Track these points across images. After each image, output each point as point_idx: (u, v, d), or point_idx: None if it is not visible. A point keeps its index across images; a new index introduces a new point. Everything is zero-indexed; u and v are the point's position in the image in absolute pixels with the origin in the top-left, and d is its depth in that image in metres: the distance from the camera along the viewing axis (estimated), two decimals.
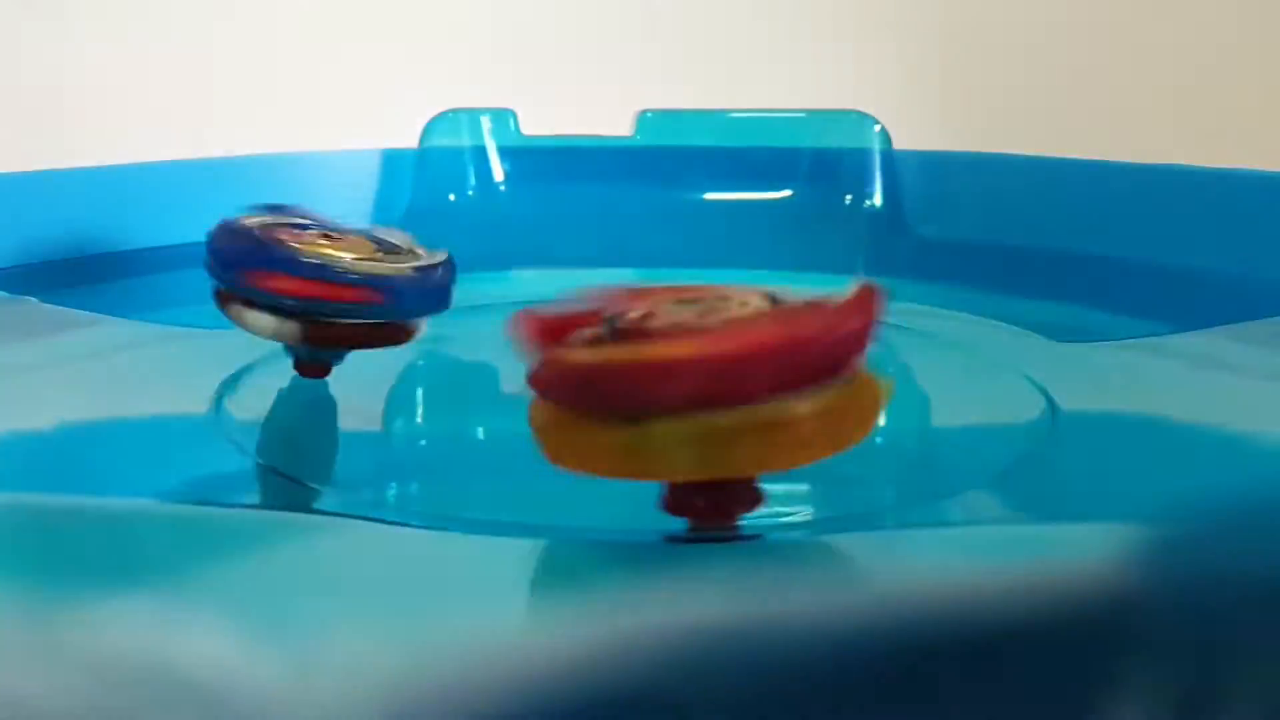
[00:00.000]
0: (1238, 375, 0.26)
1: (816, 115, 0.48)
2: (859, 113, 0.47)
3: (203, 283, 0.25)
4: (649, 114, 0.48)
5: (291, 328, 0.24)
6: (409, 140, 0.47)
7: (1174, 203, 0.40)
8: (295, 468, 0.23)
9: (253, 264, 0.23)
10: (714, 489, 0.17)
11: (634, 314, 0.17)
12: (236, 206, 0.25)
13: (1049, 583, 0.14)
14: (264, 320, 0.24)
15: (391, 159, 0.47)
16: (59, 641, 0.12)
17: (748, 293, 0.17)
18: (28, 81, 0.40)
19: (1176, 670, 0.13)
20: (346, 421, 0.26)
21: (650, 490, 0.17)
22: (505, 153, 0.48)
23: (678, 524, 0.18)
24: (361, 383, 0.27)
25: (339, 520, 0.20)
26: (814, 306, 0.17)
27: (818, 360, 0.16)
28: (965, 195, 0.45)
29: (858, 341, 0.16)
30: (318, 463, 0.24)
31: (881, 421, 0.16)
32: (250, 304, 0.24)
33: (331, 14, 0.47)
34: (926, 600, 0.13)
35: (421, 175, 0.47)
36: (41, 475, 0.21)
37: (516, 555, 0.16)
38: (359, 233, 0.25)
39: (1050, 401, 0.24)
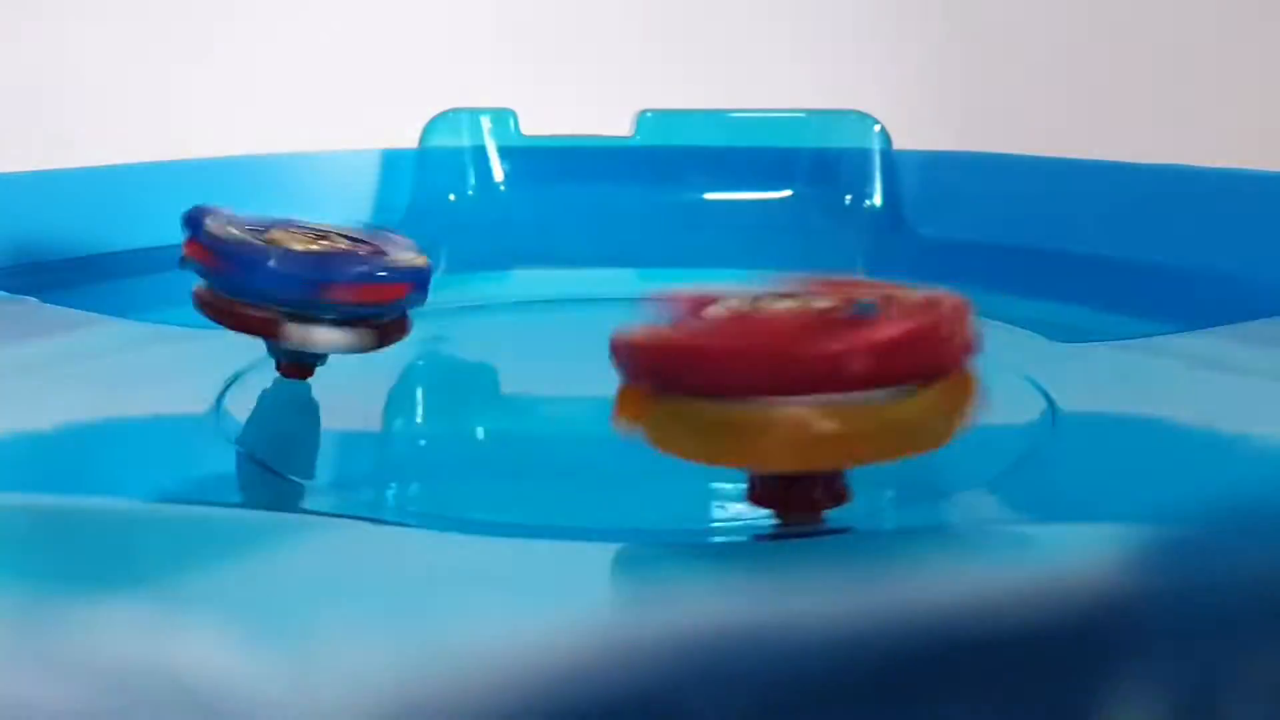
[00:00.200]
0: (1238, 375, 0.26)
1: (816, 115, 0.48)
2: (859, 113, 0.47)
3: None
4: (649, 114, 0.48)
5: (366, 335, 0.24)
6: (409, 140, 0.47)
7: (1174, 203, 0.40)
8: (295, 468, 0.23)
9: (328, 278, 0.23)
10: (803, 482, 0.17)
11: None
12: (236, 206, 0.25)
13: (1048, 583, 0.14)
14: (336, 335, 0.23)
15: (391, 159, 0.47)
16: (57, 642, 0.12)
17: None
18: (28, 81, 0.40)
19: (1176, 671, 0.13)
20: (346, 421, 0.26)
21: (646, 491, 0.17)
22: (505, 153, 0.48)
23: (679, 523, 0.18)
24: (361, 383, 0.27)
25: (338, 521, 0.20)
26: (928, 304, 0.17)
27: (929, 357, 0.16)
28: (965, 195, 0.45)
29: (966, 343, 0.17)
30: (317, 463, 0.24)
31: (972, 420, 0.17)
32: (311, 320, 0.23)
33: (331, 14, 0.47)
34: (925, 600, 0.13)
35: (421, 175, 0.47)
36: (41, 475, 0.21)
37: (516, 555, 0.16)
38: (289, 224, 0.24)
39: (1050, 402, 0.24)
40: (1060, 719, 0.12)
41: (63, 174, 0.40)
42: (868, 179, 0.47)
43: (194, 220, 0.23)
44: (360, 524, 0.20)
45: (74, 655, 0.12)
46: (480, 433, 0.28)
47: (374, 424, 0.27)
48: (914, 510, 0.22)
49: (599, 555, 0.16)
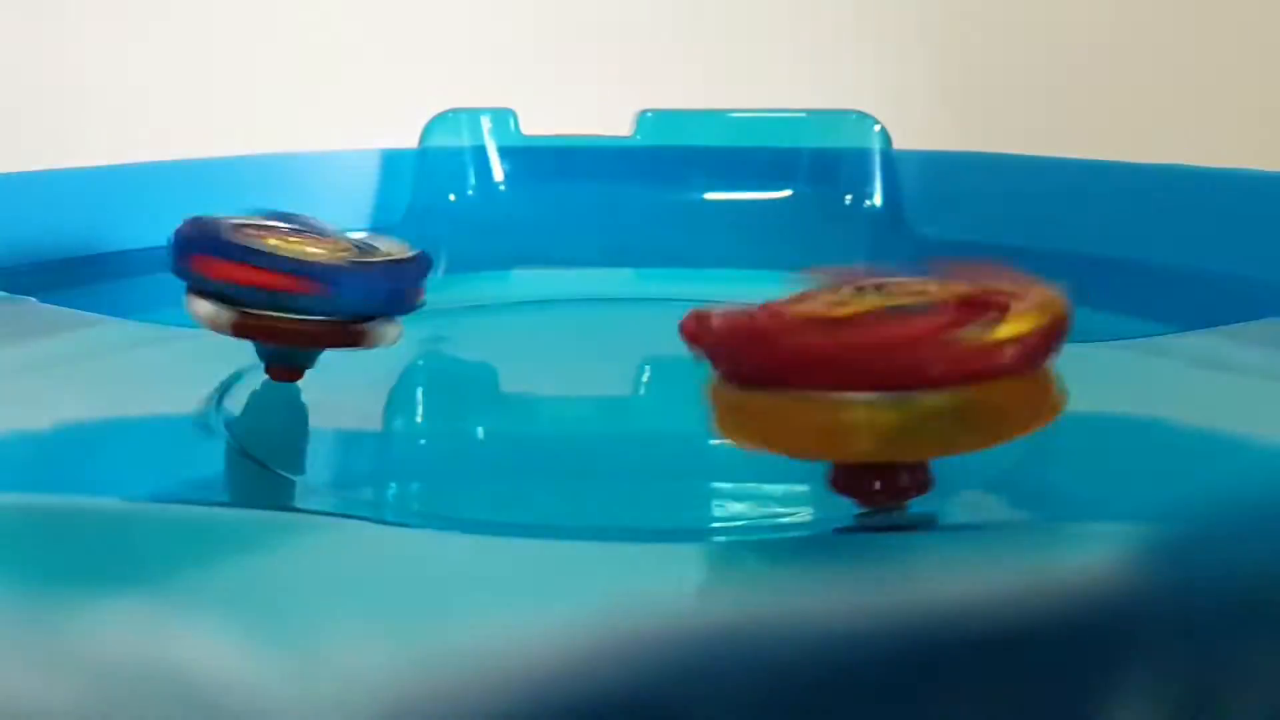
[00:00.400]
0: (1238, 375, 0.26)
1: (816, 115, 0.48)
2: (859, 113, 0.47)
3: None
4: (649, 114, 0.48)
5: (226, 315, 0.23)
6: (409, 140, 0.47)
7: (1174, 203, 0.40)
8: (294, 467, 0.23)
9: (195, 250, 0.23)
10: (888, 470, 0.17)
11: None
12: (235, 206, 0.25)
13: (1048, 583, 0.14)
14: (203, 306, 0.23)
15: (391, 159, 0.47)
16: (56, 642, 0.12)
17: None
18: (28, 81, 0.40)
19: (1176, 671, 0.13)
20: (346, 421, 0.26)
21: (646, 491, 0.17)
22: (505, 153, 0.48)
23: (679, 523, 0.18)
24: (362, 383, 0.27)
25: (338, 520, 0.20)
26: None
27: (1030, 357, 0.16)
28: (965, 195, 0.45)
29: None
30: (316, 463, 0.24)
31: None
32: (200, 293, 0.23)
33: (331, 14, 0.47)
34: (924, 600, 0.13)
35: (421, 175, 0.47)
36: (40, 475, 0.21)
37: (516, 555, 0.16)
38: (345, 238, 0.24)
39: None
40: (1061, 717, 0.12)
41: (63, 174, 0.40)
42: (868, 179, 0.47)
43: (210, 240, 0.23)
44: (360, 523, 0.20)
45: (75, 654, 0.12)
46: (480, 433, 0.28)
47: (374, 424, 0.27)
48: (914, 510, 0.22)
49: (599, 555, 0.16)
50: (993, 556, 0.16)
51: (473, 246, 0.44)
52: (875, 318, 0.17)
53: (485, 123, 0.48)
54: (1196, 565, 0.14)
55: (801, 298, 0.18)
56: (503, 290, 0.42)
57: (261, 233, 0.24)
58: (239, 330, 0.23)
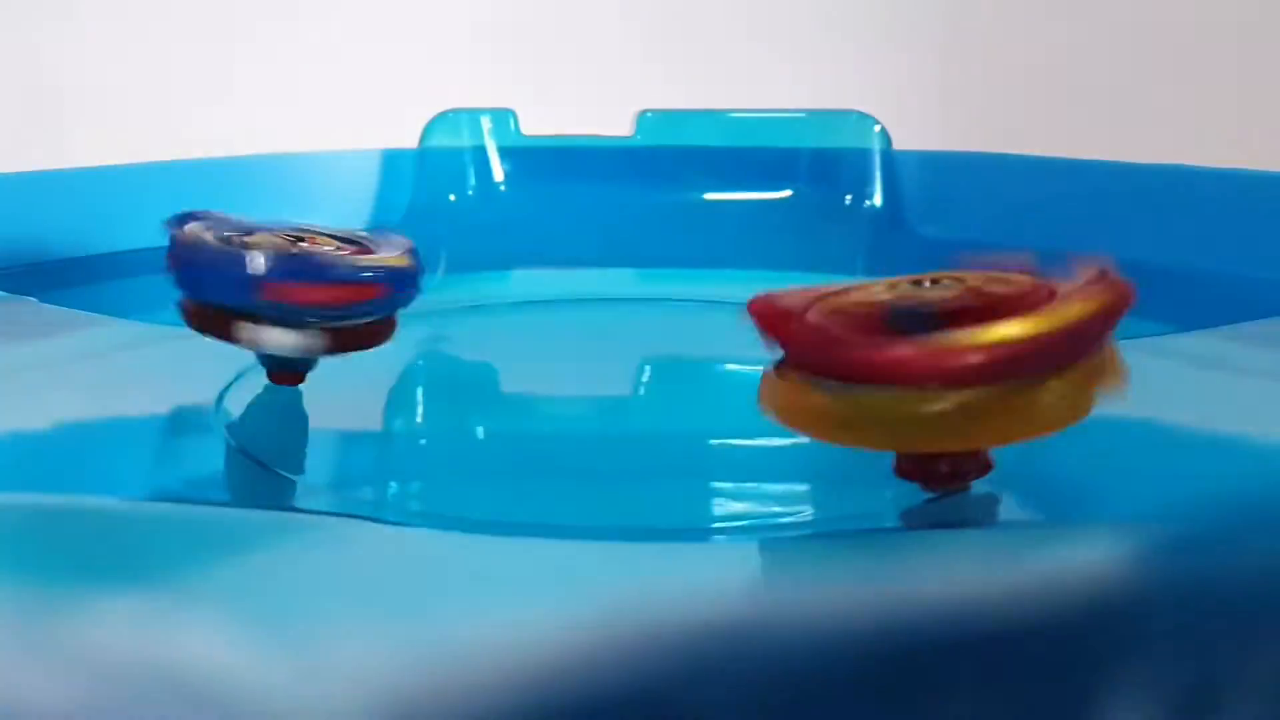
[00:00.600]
0: (1238, 375, 0.26)
1: (816, 115, 0.48)
2: (859, 113, 0.47)
3: None
4: (649, 114, 0.48)
5: (319, 338, 0.23)
6: (409, 140, 0.47)
7: (1174, 203, 0.40)
8: (294, 467, 0.23)
9: (277, 277, 0.22)
10: (951, 455, 0.18)
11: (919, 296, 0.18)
12: (236, 206, 0.25)
13: (1048, 583, 0.14)
14: (286, 337, 0.23)
15: (391, 159, 0.47)
16: (57, 642, 0.12)
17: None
18: (28, 81, 0.40)
19: (1176, 670, 0.13)
20: (346, 421, 0.26)
21: (647, 491, 0.17)
22: (505, 153, 0.48)
23: (679, 523, 0.18)
24: (362, 383, 0.27)
25: (338, 520, 0.20)
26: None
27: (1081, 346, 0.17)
28: (965, 195, 0.45)
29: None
30: (317, 462, 0.24)
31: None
32: (260, 320, 0.23)
33: (331, 14, 0.47)
34: (925, 600, 0.13)
35: (421, 175, 0.47)
36: (41, 475, 0.21)
37: (516, 555, 0.16)
38: (328, 236, 0.24)
39: None
40: (1061, 717, 0.12)
41: (63, 174, 0.40)
42: (868, 179, 0.47)
43: (175, 226, 0.23)
44: (360, 523, 0.20)
45: (75, 653, 0.12)
46: (480, 433, 0.28)
47: (374, 424, 0.27)
48: (913, 510, 0.22)
49: (599, 555, 0.16)
50: (993, 556, 0.16)
51: (473, 246, 0.44)
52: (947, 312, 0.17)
53: (485, 123, 0.48)
54: (1196, 565, 0.14)
55: (861, 289, 0.19)
56: (503, 290, 0.42)
57: (297, 244, 0.23)
58: (332, 348, 0.23)
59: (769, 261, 0.41)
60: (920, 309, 0.18)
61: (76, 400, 0.24)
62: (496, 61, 0.48)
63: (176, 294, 0.24)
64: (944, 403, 0.16)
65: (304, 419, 0.25)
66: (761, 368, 0.18)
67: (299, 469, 0.23)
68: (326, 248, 0.24)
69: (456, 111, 0.48)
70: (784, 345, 0.18)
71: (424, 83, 0.48)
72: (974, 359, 0.16)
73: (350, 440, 0.26)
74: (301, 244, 0.23)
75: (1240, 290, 0.36)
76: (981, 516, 0.19)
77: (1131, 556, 0.14)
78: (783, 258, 0.42)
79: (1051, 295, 0.18)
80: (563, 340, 0.34)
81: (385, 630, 0.13)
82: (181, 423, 0.24)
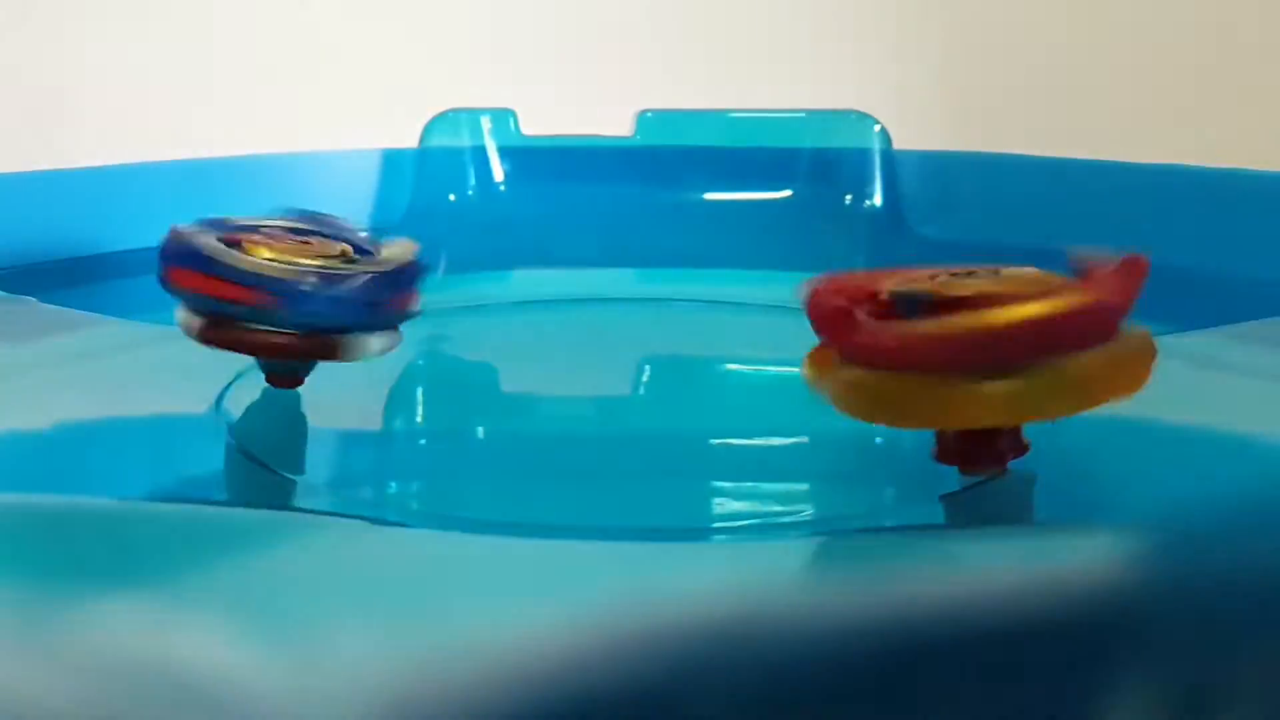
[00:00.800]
0: (1238, 375, 0.26)
1: (816, 115, 0.48)
2: (859, 113, 0.47)
3: None
4: (649, 114, 0.48)
5: (196, 324, 0.23)
6: (409, 140, 0.47)
7: (1174, 203, 0.40)
8: (295, 467, 0.23)
9: (171, 261, 0.23)
10: (989, 436, 0.19)
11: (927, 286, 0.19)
12: (235, 207, 0.25)
13: (1049, 583, 0.14)
14: (179, 314, 0.23)
15: (391, 159, 0.47)
16: (58, 641, 0.12)
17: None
18: (28, 81, 0.40)
19: (1176, 671, 0.13)
20: (346, 421, 0.26)
21: (647, 491, 0.17)
22: (505, 153, 0.48)
23: (679, 523, 0.18)
24: (362, 383, 0.27)
25: (338, 520, 0.20)
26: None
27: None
28: (965, 195, 0.45)
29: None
30: (317, 463, 0.24)
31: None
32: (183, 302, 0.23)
33: (331, 14, 0.47)
34: (925, 600, 0.13)
35: (421, 175, 0.47)
36: (41, 475, 0.21)
37: (516, 555, 0.16)
38: (355, 242, 0.24)
39: None
40: (1061, 717, 0.12)
41: (63, 174, 0.40)
42: (868, 179, 0.47)
43: (182, 250, 0.23)
44: (360, 523, 0.20)
45: (75, 653, 0.12)
46: (480, 433, 0.28)
47: (374, 424, 0.27)
48: (914, 510, 0.22)
49: (599, 555, 0.16)
50: (993, 556, 0.16)
51: (473, 246, 0.44)
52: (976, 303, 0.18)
53: (485, 123, 0.48)
54: (1197, 565, 0.14)
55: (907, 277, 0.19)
56: (503, 290, 0.42)
57: (256, 238, 0.23)
58: (206, 339, 0.23)
59: (769, 261, 0.41)
60: (917, 295, 0.18)
61: (76, 400, 0.24)
62: (496, 61, 0.48)
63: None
64: (989, 383, 0.17)
65: (304, 419, 0.25)
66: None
67: (299, 469, 0.23)
68: (332, 250, 0.23)
69: (456, 111, 0.48)
70: (815, 326, 0.19)
71: (424, 83, 0.48)
72: (939, 345, 0.17)
73: (350, 440, 0.26)
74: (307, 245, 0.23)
75: (1240, 290, 0.36)
76: (1021, 495, 0.20)
77: (1131, 556, 0.14)
78: (783, 258, 0.42)
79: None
80: (563, 340, 0.34)
81: (385, 630, 0.13)
82: (181, 423, 0.24)
